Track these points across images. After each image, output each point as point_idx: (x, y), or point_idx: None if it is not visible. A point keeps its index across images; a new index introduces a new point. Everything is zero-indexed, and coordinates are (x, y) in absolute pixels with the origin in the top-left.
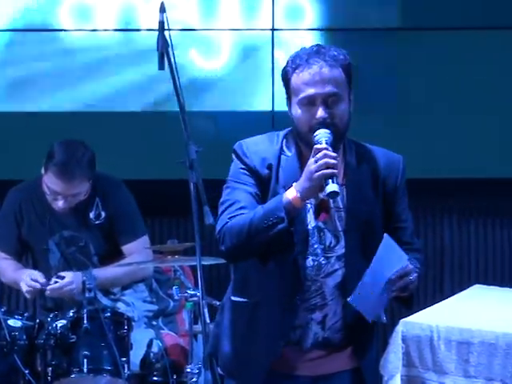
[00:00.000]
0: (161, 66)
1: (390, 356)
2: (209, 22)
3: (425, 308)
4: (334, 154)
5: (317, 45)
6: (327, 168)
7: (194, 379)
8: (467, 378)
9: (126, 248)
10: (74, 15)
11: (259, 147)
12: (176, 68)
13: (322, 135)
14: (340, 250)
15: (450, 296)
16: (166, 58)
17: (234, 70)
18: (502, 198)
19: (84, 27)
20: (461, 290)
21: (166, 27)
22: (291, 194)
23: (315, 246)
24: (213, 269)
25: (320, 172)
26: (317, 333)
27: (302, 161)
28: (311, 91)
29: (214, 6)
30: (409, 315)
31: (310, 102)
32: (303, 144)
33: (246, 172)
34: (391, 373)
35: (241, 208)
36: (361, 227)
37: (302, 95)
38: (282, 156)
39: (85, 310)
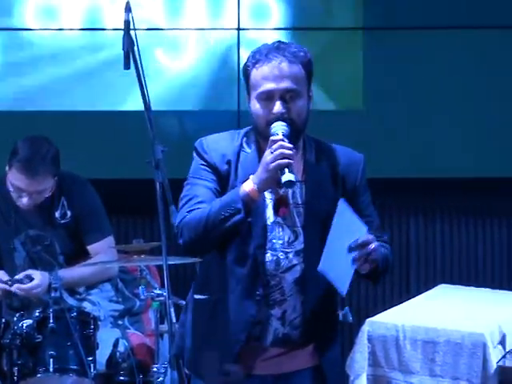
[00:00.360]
0: (126, 66)
1: (356, 356)
2: (175, 22)
3: (391, 307)
4: (289, 145)
5: (278, 41)
6: (283, 158)
7: (161, 379)
8: (433, 378)
9: (91, 248)
10: (40, 14)
11: (219, 144)
12: (142, 67)
13: (279, 127)
14: (299, 245)
15: (415, 295)
16: (131, 58)
17: (199, 69)
18: (468, 197)
19: (50, 26)
20: (426, 290)
21: (131, 27)
22: (248, 186)
23: (274, 241)
24: (179, 268)
25: (276, 162)
26: (277, 328)
27: (262, 156)
28: (269, 86)
29: (180, 5)
30: (375, 315)
31: (268, 97)
32: (262, 139)
33: (206, 168)
34: (357, 372)
35: (199, 202)
36: (320, 223)
37: (260, 90)
38: (242, 152)
39: (51, 310)
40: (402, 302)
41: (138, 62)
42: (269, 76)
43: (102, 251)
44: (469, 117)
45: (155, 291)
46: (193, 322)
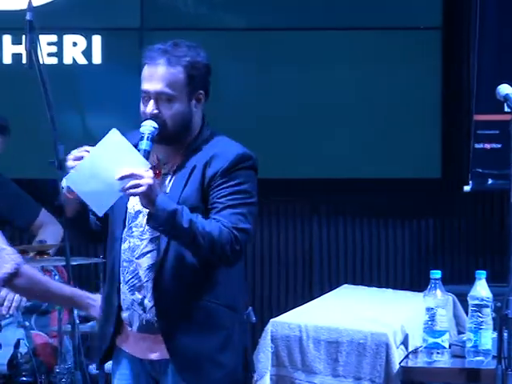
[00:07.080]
0: (30, 65)
1: (260, 355)
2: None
3: (294, 308)
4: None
5: (173, 42)
6: None
7: (64, 380)
8: (336, 378)
9: (37, 223)
10: None
11: None
12: (43, 67)
13: (147, 127)
14: (155, 232)
15: (318, 296)
16: (34, 57)
17: (104, 69)
18: (372, 198)
19: None
20: (329, 290)
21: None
22: None
23: (134, 229)
24: (83, 269)
25: None
26: (140, 315)
27: None
28: (146, 86)
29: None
30: (278, 315)
31: (146, 97)
32: None
33: None
34: (261, 372)
35: None
36: None
37: (142, 88)
38: None
39: None
40: (305, 303)
41: (41, 61)
42: (146, 77)
43: (48, 220)
44: (367, 121)
45: None
46: None
